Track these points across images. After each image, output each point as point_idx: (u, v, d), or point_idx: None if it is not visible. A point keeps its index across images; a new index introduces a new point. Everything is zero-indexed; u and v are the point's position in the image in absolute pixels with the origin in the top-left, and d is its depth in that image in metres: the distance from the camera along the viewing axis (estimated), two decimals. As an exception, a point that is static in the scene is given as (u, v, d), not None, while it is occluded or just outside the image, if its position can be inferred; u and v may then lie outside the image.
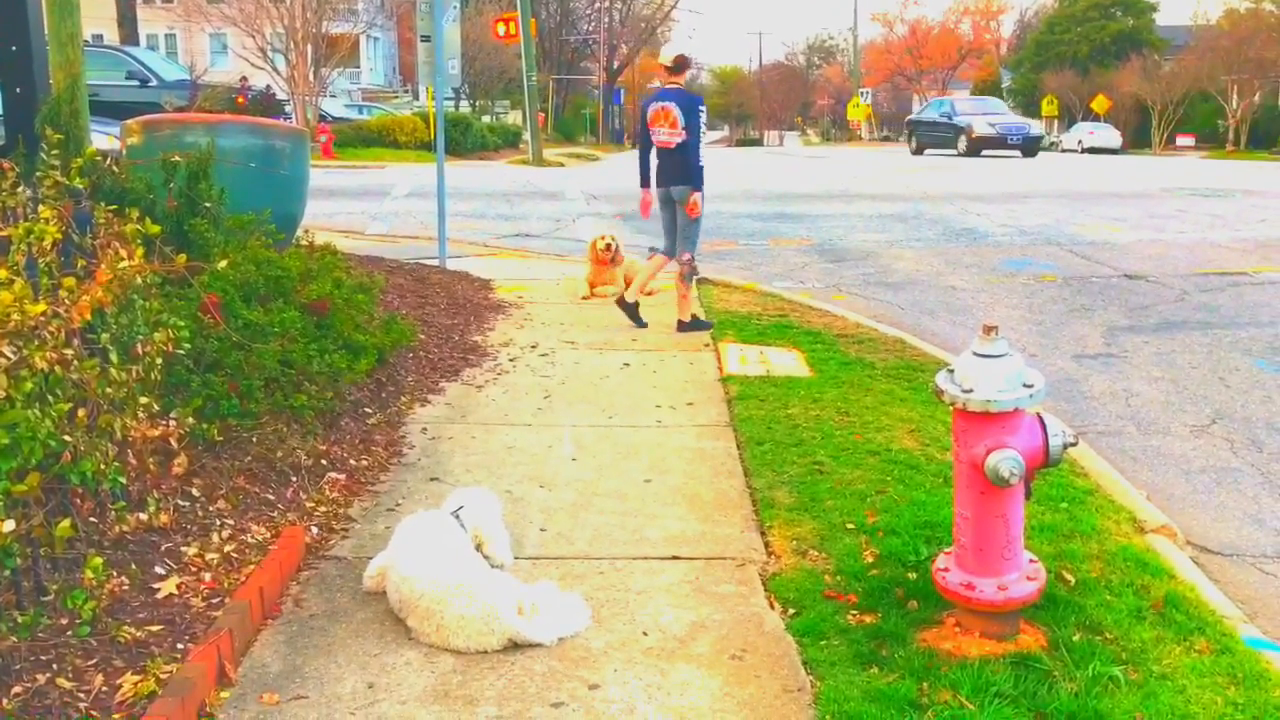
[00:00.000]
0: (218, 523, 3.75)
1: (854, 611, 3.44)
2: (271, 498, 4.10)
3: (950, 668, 3.08)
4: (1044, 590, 3.31)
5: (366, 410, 5.30)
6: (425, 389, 5.90)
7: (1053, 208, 16.27)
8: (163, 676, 2.81)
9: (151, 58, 21.05)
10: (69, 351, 3.00)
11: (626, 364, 6.62)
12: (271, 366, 4.48)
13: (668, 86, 7.65)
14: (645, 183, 7.76)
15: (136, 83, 17.98)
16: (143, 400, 3.36)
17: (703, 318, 7.91)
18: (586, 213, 15.67)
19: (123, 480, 3.25)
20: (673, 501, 4.39)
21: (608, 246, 8.88)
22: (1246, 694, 3.03)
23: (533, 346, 7.01)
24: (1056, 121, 56.93)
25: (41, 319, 2.90)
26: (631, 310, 7.78)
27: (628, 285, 8.20)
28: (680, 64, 7.70)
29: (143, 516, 3.33)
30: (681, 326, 7.66)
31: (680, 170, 7.50)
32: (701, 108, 7.54)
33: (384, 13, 48.82)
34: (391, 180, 19.98)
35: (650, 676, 3.08)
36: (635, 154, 8.57)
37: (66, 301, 3.04)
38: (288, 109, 25.14)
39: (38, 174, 3.55)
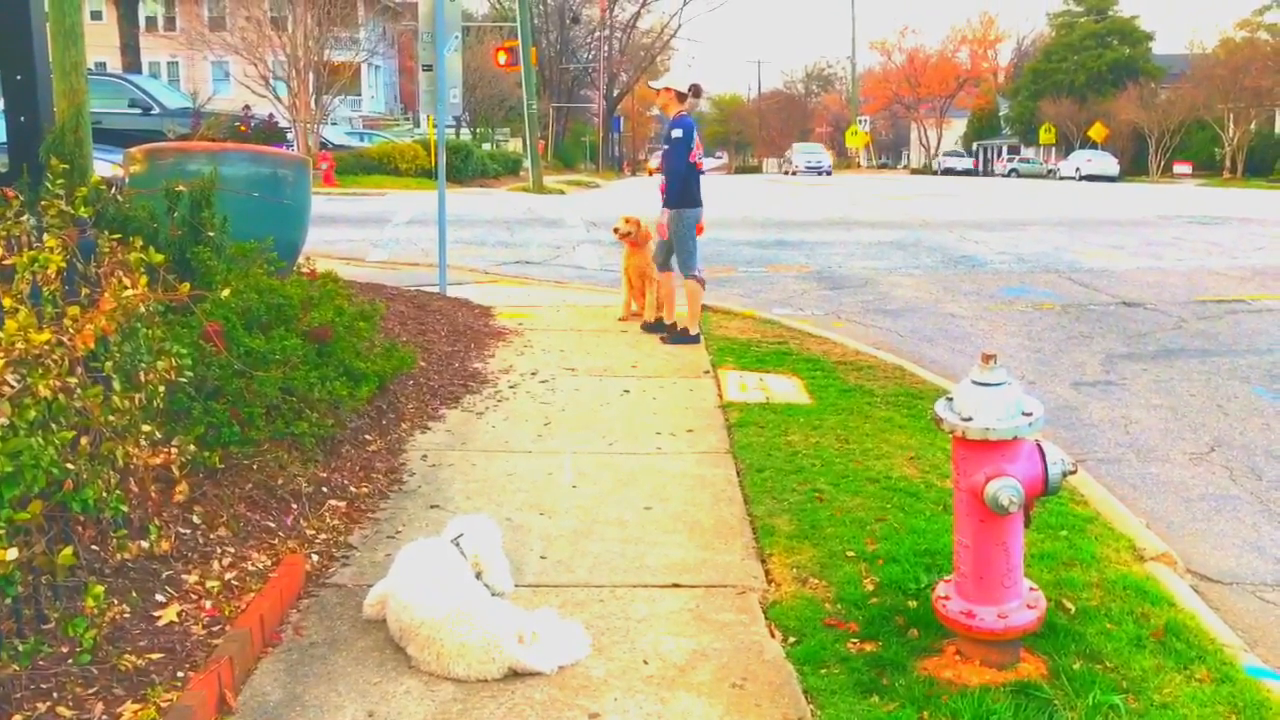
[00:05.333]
0: (218, 550, 3.76)
1: (854, 639, 3.44)
2: (272, 525, 4.10)
3: (951, 696, 3.08)
4: (1044, 618, 3.31)
5: (367, 437, 5.31)
6: (426, 416, 5.91)
7: (1051, 235, 16.35)
8: (163, 705, 2.81)
9: (154, 85, 21.13)
10: (72, 379, 3.01)
11: (626, 391, 6.63)
12: (273, 394, 4.49)
13: (688, 114, 8.10)
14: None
15: (139, 110, 18.05)
16: (145, 428, 3.37)
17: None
18: (586, 240, 15.74)
19: (124, 508, 3.26)
20: (673, 529, 4.39)
21: (619, 230, 8.83)
22: (1247, 723, 3.03)
23: (533, 373, 7.03)
24: (1054, 149, 57.32)
25: (45, 347, 2.92)
26: (659, 328, 8.34)
27: (659, 306, 8.72)
28: (696, 92, 8.19)
29: (144, 544, 3.34)
30: (689, 337, 8.12)
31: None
32: None
33: (385, 41, 49.21)
34: (392, 207, 20.08)
35: (651, 705, 3.07)
36: (639, 180, 8.74)
37: (70, 330, 3.06)
38: (289, 136, 25.25)
39: (42, 202, 3.58)
